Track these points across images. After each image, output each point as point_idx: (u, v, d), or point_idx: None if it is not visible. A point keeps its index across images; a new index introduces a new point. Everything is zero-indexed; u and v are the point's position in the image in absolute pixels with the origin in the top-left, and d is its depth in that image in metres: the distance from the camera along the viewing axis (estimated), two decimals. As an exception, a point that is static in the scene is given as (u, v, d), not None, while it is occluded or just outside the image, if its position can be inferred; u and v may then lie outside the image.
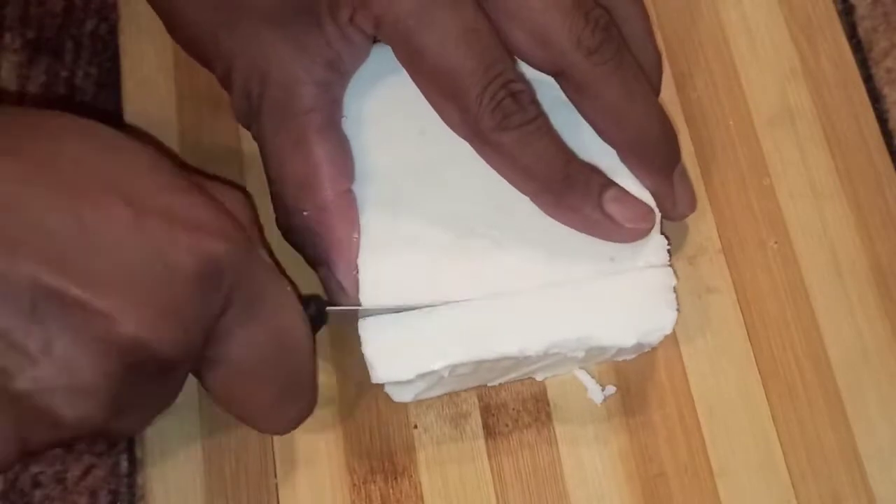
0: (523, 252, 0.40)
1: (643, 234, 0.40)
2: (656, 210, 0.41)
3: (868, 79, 0.49)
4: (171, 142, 0.48)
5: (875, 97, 0.48)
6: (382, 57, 0.44)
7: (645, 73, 0.41)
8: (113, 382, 0.31)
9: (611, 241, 0.40)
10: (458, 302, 0.39)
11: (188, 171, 0.37)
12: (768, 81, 0.48)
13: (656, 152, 0.41)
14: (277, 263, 0.39)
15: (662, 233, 0.41)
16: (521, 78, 0.39)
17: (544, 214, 0.41)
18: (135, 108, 0.48)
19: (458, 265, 0.40)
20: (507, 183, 0.40)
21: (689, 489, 0.42)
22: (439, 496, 0.42)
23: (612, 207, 0.40)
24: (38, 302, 0.30)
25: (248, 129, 0.42)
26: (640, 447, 0.43)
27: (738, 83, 0.48)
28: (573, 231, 0.41)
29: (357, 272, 0.40)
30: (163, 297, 0.31)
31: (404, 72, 0.43)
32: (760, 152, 0.47)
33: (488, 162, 0.40)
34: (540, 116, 0.39)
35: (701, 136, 0.47)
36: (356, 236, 0.41)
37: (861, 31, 0.50)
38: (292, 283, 0.38)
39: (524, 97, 0.38)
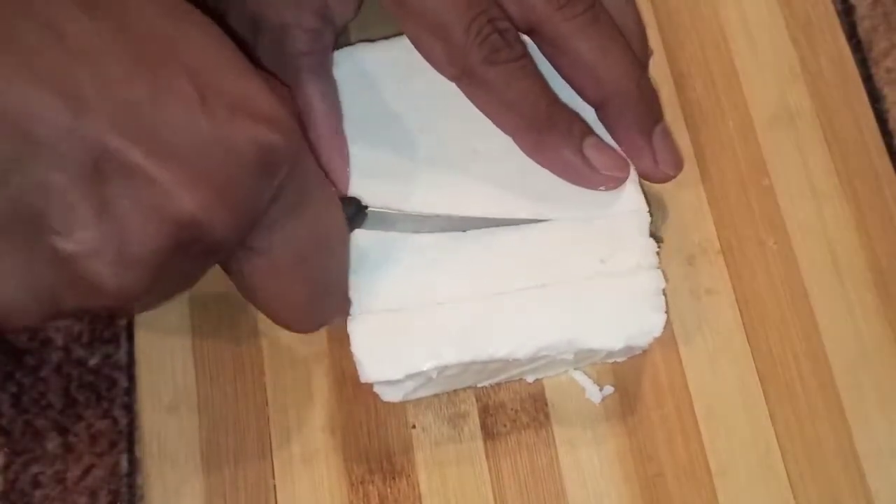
0: (514, 254, 0.40)
1: (617, 183, 0.41)
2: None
3: (868, 79, 0.49)
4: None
5: (875, 97, 0.48)
6: (382, 57, 0.44)
7: (626, 37, 0.41)
8: (159, 257, 0.30)
9: (584, 186, 0.41)
10: (448, 303, 0.40)
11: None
12: (768, 81, 0.48)
13: (633, 109, 0.41)
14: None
15: (653, 235, 0.41)
16: (506, 18, 0.40)
17: (538, 217, 0.41)
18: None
19: (450, 266, 0.40)
20: (501, 187, 0.41)
21: (688, 489, 0.42)
22: (437, 496, 0.42)
23: (591, 152, 0.40)
24: (100, 164, 0.29)
25: None
26: (638, 447, 0.43)
27: (737, 83, 0.48)
28: (565, 235, 0.41)
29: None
30: (221, 180, 0.31)
31: (403, 71, 0.43)
32: (760, 152, 0.47)
33: (473, 99, 0.40)
34: (526, 55, 0.40)
35: (700, 137, 0.47)
36: (349, 170, 0.41)
37: (861, 31, 0.50)
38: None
39: (510, 34, 0.39)
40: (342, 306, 0.40)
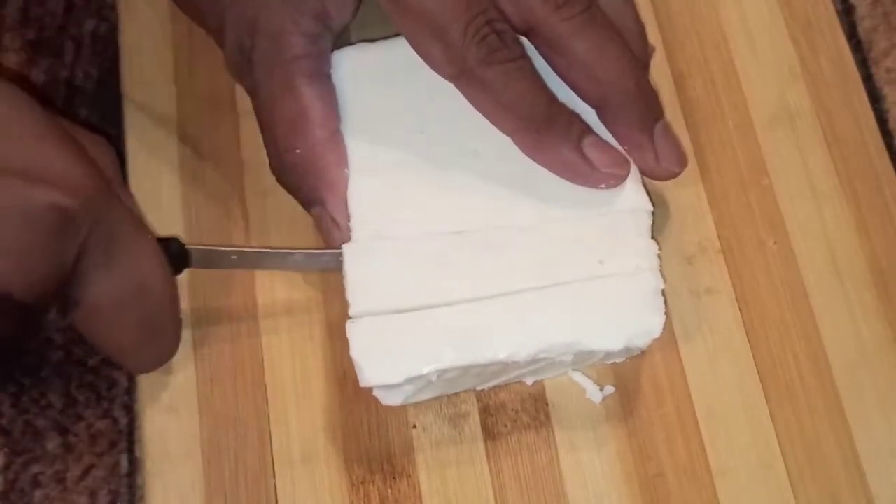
0: (513, 256, 0.40)
1: (617, 180, 0.41)
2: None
3: (868, 79, 0.49)
4: (172, 141, 0.48)
5: (875, 97, 0.48)
6: (382, 57, 0.44)
7: (625, 36, 0.41)
8: None
9: (584, 184, 0.41)
10: (447, 306, 0.40)
11: (52, 113, 0.38)
12: (768, 81, 0.48)
13: (632, 107, 0.41)
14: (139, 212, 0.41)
15: (654, 237, 0.41)
16: (503, 19, 0.40)
17: (536, 219, 0.41)
18: (135, 107, 0.48)
19: (448, 268, 0.40)
20: (501, 188, 0.41)
21: (688, 489, 0.42)
22: (438, 496, 0.42)
23: (591, 151, 0.41)
24: None
25: (241, 83, 0.44)
26: (638, 447, 0.43)
27: (737, 83, 0.48)
28: (564, 236, 0.41)
29: (349, 209, 0.41)
30: (18, 247, 0.33)
31: (403, 72, 0.43)
32: (760, 152, 0.47)
33: (472, 100, 0.41)
34: (524, 56, 0.40)
35: (700, 137, 0.47)
36: (346, 171, 0.42)
37: (861, 31, 0.50)
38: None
39: (508, 35, 0.40)
40: (171, 347, 0.41)
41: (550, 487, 0.42)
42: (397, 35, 0.44)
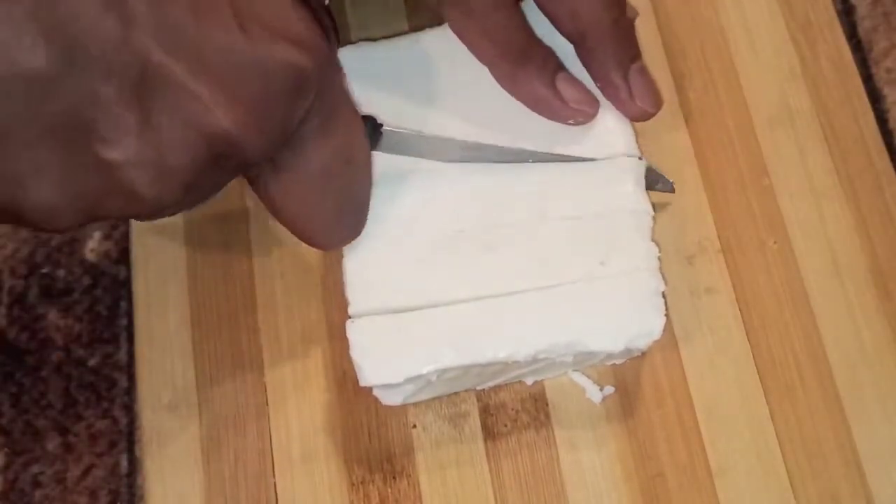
0: (513, 256, 0.40)
1: (586, 118, 0.42)
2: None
3: (868, 79, 0.49)
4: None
5: (875, 97, 0.48)
6: (384, 56, 0.44)
7: None
8: (194, 169, 0.32)
9: (554, 119, 0.42)
10: (448, 306, 0.40)
11: None
12: (768, 81, 0.48)
13: (609, 45, 0.42)
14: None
15: (654, 238, 0.41)
16: None
17: (536, 220, 0.41)
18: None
19: (448, 268, 0.40)
20: (501, 187, 0.41)
21: (688, 489, 0.42)
22: (438, 496, 0.42)
23: (563, 86, 0.42)
24: (145, 77, 0.31)
25: None
26: (638, 447, 0.43)
27: (737, 83, 0.48)
28: (565, 237, 0.41)
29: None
30: (256, 99, 0.33)
31: (405, 71, 0.43)
32: (760, 152, 0.47)
33: (453, 24, 0.42)
34: None
35: (700, 136, 0.47)
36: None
37: (861, 31, 0.50)
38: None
39: None
40: (361, 225, 0.41)
41: (550, 487, 0.42)
42: (398, 35, 0.45)
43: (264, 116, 0.33)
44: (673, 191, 0.45)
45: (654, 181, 0.44)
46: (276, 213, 0.38)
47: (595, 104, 0.43)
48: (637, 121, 0.43)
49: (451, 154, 0.42)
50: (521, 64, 0.42)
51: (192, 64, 0.31)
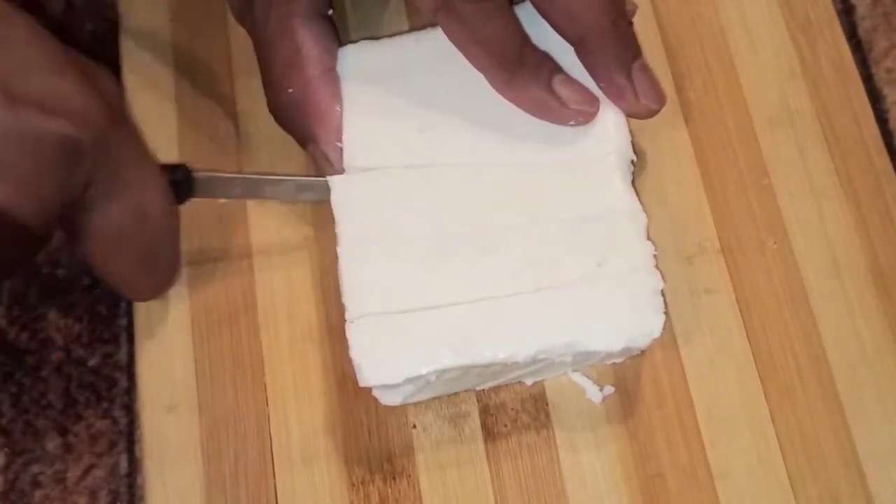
0: (511, 257, 0.40)
1: (587, 117, 0.42)
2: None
3: (868, 79, 0.49)
4: (171, 139, 0.48)
5: (875, 97, 0.48)
6: (385, 54, 0.44)
7: None
8: None
9: (555, 121, 0.42)
10: (447, 307, 0.40)
11: (61, 43, 0.38)
12: (768, 81, 0.48)
13: (610, 46, 0.42)
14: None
15: (651, 238, 0.41)
16: None
17: (533, 221, 0.41)
18: (135, 107, 0.48)
19: (445, 272, 0.40)
20: (499, 189, 0.41)
21: (688, 490, 0.42)
22: (438, 496, 0.42)
23: (560, 88, 0.42)
24: None
25: (243, 25, 0.45)
26: (638, 448, 0.43)
27: (737, 83, 0.48)
28: (561, 238, 0.41)
29: (341, 145, 0.43)
30: (25, 173, 0.34)
31: (405, 69, 0.43)
32: (760, 152, 0.47)
33: (449, 34, 0.42)
34: None
35: (700, 136, 0.47)
36: (339, 109, 0.43)
37: (861, 31, 0.50)
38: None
39: None
40: (170, 277, 0.42)
41: (550, 487, 0.42)
42: (398, 34, 0.45)
43: (37, 189, 0.34)
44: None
45: None
46: (93, 268, 0.40)
47: (595, 103, 0.43)
48: (643, 118, 0.43)
49: (279, 193, 0.44)
50: (516, 71, 0.42)
51: None
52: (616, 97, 0.43)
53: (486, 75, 0.42)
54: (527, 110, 0.42)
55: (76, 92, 0.35)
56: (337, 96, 0.43)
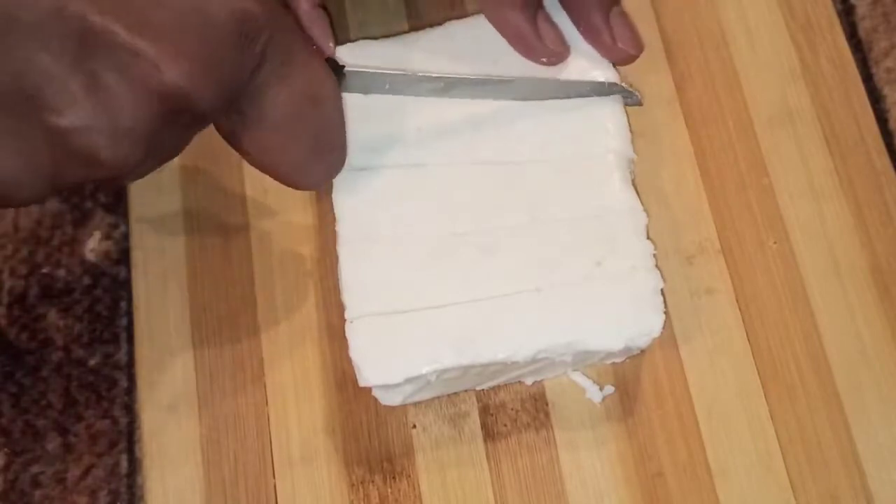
0: (511, 257, 0.40)
1: (558, 59, 0.44)
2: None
3: (868, 79, 0.49)
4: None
5: (875, 97, 0.48)
6: (385, 53, 0.44)
7: None
8: (150, 127, 0.32)
9: (529, 56, 0.43)
10: (446, 307, 0.40)
11: None
12: (768, 81, 0.48)
13: None
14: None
15: (651, 238, 0.41)
16: None
17: (533, 221, 0.41)
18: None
19: (445, 272, 0.40)
20: (497, 190, 0.41)
21: (688, 489, 0.42)
22: (437, 496, 0.42)
23: (542, 24, 0.43)
24: (85, 42, 0.31)
25: None
26: (638, 447, 0.43)
27: (737, 83, 0.48)
28: (560, 239, 0.41)
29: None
30: (204, 51, 0.33)
31: (405, 69, 0.43)
32: (759, 152, 0.47)
33: None
34: None
35: (700, 136, 0.47)
36: (332, 45, 0.43)
37: (861, 31, 0.50)
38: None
39: None
40: (340, 161, 0.41)
41: (550, 487, 0.42)
42: (398, 34, 0.45)
43: (214, 66, 0.33)
44: (641, 104, 0.45)
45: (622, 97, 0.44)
46: (253, 162, 0.39)
47: (567, 50, 0.44)
48: (620, 64, 0.44)
49: (420, 89, 0.43)
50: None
51: (132, 21, 0.31)
52: (593, 38, 0.43)
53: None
54: (507, 37, 0.43)
55: None
56: (328, 32, 0.43)
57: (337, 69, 0.41)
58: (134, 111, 0.32)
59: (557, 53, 0.43)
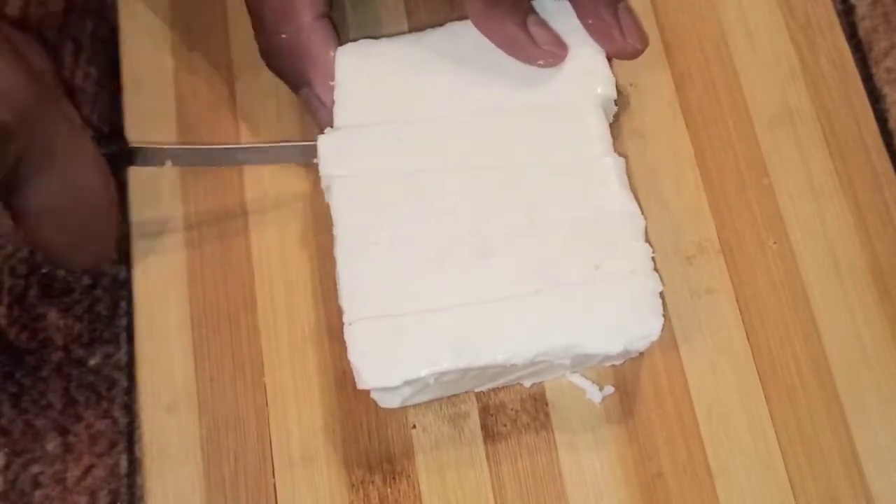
0: (510, 259, 0.40)
1: (556, 59, 0.44)
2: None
3: (868, 79, 0.49)
4: (171, 141, 0.48)
5: (875, 97, 0.48)
6: (385, 52, 0.44)
7: None
8: None
9: (524, 60, 0.44)
10: (445, 309, 0.39)
11: None
12: (768, 81, 0.48)
13: None
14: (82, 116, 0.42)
15: (650, 239, 0.41)
16: None
17: (531, 224, 0.41)
18: (135, 108, 0.48)
19: (443, 275, 0.40)
20: (496, 191, 0.41)
21: (688, 489, 0.42)
22: (437, 497, 0.42)
23: (534, 28, 0.43)
24: None
25: None
26: (638, 447, 0.43)
27: (737, 83, 0.48)
28: (559, 242, 0.41)
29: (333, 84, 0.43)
30: None
31: (405, 68, 0.43)
32: (759, 152, 0.47)
33: None
34: None
35: (700, 136, 0.47)
36: (332, 55, 0.44)
37: (861, 31, 0.50)
38: (96, 128, 0.42)
39: None
40: (107, 252, 0.42)
41: (550, 487, 0.42)
42: (398, 34, 0.45)
43: None
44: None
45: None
46: (30, 246, 0.41)
47: (564, 47, 0.44)
48: (627, 58, 0.44)
49: (216, 159, 0.45)
50: (494, 4, 0.43)
51: None
52: (602, 34, 0.44)
53: (466, 3, 0.43)
54: (499, 45, 0.43)
55: (1, 71, 0.35)
56: (329, 42, 0.44)
57: (122, 146, 0.42)
58: None
59: (553, 54, 0.43)
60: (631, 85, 0.48)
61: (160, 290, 0.46)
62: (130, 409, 0.44)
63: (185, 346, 0.45)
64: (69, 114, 0.39)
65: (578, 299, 0.40)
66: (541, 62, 0.43)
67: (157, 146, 0.43)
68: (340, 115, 0.43)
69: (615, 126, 0.46)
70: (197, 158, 0.45)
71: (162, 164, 0.44)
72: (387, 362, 0.39)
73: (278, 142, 0.46)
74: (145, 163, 0.43)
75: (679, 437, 0.43)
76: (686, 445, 0.42)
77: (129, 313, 0.46)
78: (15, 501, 0.43)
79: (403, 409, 0.43)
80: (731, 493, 0.42)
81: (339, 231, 0.41)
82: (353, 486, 0.42)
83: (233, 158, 0.45)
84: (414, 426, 0.43)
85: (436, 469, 0.42)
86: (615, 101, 0.44)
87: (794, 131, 0.47)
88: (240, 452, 0.43)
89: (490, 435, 0.43)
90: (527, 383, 0.43)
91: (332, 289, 0.44)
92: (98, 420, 0.44)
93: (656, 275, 0.40)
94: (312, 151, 0.43)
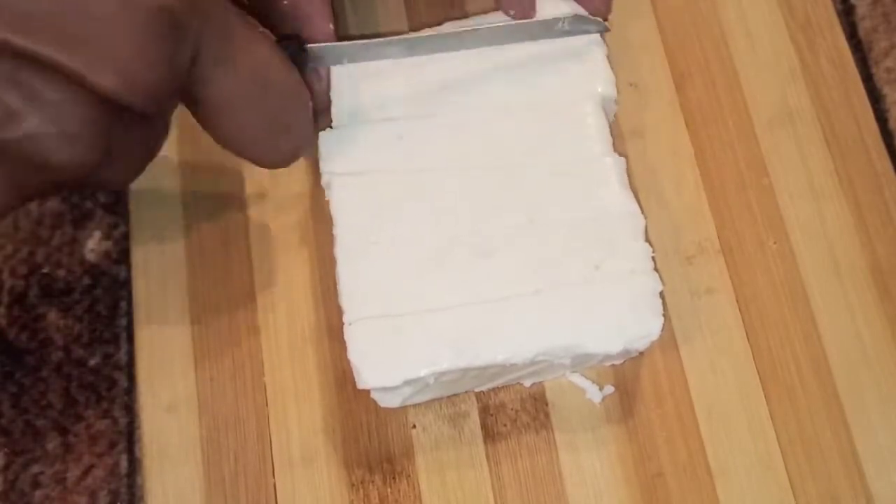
0: (510, 259, 0.40)
1: (525, 11, 0.44)
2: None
3: (868, 79, 0.49)
4: (171, 141, 0.48)
5: (875, 97, 0.48)
6: (381, 55, 0.44)
7: None
8: (95, 127, 0.33)
9: (497, 5, 0.44)
10: (445, 309, 0.39)
11: None
12: (768, 81, 0.48)
13: None
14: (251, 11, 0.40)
15: (650, 239, 0.41)
16: None
17: (531, 223, 0.41)
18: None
19: (443, 275, 0.40)
20: (495, 192, 0.41)
21: (688, 489, 0.42)
22: (437, 496, 0.42)
23: None
24: (16, 64, 0.31)
25: None
26: (638, 447, 0.43)
27: (737, 83, 0.48)
28: (559, 242, 0.41)
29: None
30: (130, 53, 0.33)
31: (404, 69, 0.43)
32: (759, 152, 0.47)
33: None
34: None
35: (700, 136, 0.47)
36: (330, 26, 0.43)
37: (861, 31, 0.50)
38: (268, 26, 0.40)
39: None
40: (308, 138, 0.41)
41: (550, 487, 0.42)
42: (398, 34, 0.45)
43: (145, 67, 0.33)
44: (608, 29, 0.44)
45: (583, 27, 0.44)
46: (219, 143, 0.39)
47: (534, 6, 0.44)
48: (594, 15, 0.44)
49: (391, 52, 0.43)
50: None
51: (56, 39, 0.31)
52: None
53: None
54: None
55: None
56: (328, 4, 0.43)
57: (300, 46, 0.41)
58: (75, 117, 0.32)
59: (522, 7, 0.43)
60: (631, 85, 0.48)
61: (160, 290, 0.46)
62: (130, 409, 0.44)
63: (185, 346, 0.45)
64: (241, 10, 0.38)
65: (578, 299, 0.40)
66: (512, 12, 0.43)
67: (335, 44, 0.42)
68: (339, 112, 0.43)
69: (615, 126, 0.46)
70: (374, 53, 0.43)
71: (339, 61, 0.43)
72: (387, 362, 0.39)
73: (461, 27, 0.44)
74: (323, 62, 0.42)
75: (679, 437, 0.43)
76: (686, 445, 0.43)
77: (129, 313, 0.46)
78: (15, 501, 0.43)
79: (403, 409, 0.43)
80: (731, 493, 0.42)
81: (338, 231, 0.41)
82: (353, 485, 0.42)
83: (412, 50, 0.43)
84: (414, 426, 0.43)
85: (436, 469, 0.42)
86: (615, 100, 0.44)
87: (794, 131, 0.47)
88: (240, 452, 0.43)
89: (490, 435, 0.43)
90: (527, 383, 0.43)
91: (332, 289, 0.44)
92: (98, 420, 0.44)
93: (656, 275, 0.40)
94: (499, 33, 0.43)
